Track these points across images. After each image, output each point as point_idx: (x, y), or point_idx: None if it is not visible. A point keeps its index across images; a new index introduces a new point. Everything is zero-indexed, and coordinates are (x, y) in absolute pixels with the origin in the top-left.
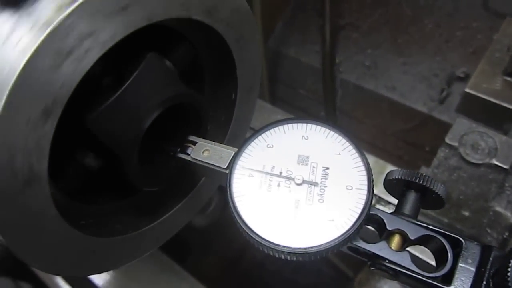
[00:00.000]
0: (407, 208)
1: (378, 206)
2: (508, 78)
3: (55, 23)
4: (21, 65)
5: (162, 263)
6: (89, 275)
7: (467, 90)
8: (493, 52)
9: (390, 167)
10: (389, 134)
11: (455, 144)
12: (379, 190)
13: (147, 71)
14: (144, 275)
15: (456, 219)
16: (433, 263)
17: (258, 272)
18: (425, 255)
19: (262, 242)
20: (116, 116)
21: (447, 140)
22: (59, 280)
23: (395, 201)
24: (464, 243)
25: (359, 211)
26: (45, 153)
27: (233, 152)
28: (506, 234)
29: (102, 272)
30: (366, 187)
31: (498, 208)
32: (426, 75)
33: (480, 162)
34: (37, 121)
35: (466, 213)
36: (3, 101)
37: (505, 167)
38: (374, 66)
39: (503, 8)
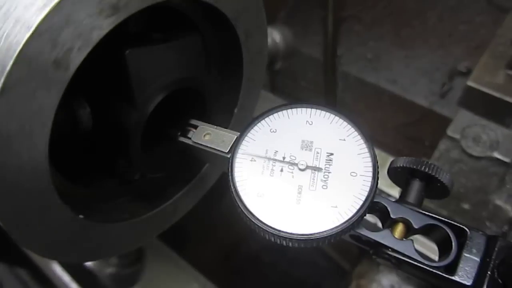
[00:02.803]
0: (411, 197)
1: None
2: (511, 72)
3: None
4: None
5: (159, 250)
6: (87, 261)
7: (469, 83)
8: (496, 45)
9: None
10: (389, 128)
11: (457, 136)
12: (380, 183)
13: (151, 53)
14: (143, 264)
15: (455, 212)
16: (433, 256)
17: (253, 264)
18: (425, 247)
19: (264, 228)
20: (118, 103)
21: (448, 133)
22: (56, 266)
23: (395, 194)
24: (469, 232)
25: (364, 198)
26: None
27: (235, 136)
28: (506, 228)
29: (102, 258)
30: (371, 174)
31: (498, 202)
32: (428, 69)
33: (482, 155)
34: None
35: (466, 206)
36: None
37: (506, 160)
38: (376, 59)
39: (507, 3)
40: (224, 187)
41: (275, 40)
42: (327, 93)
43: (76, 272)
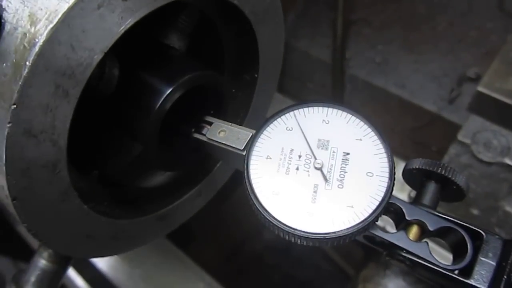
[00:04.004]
0: (427, 199)
1: None
2: None
3: None
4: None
5: (165, 249)
6: (100, 257)
7: (479, 89)
8: (507, 52)
9: (402, 164)
10: (397, 132)
11: (468, 141)
12: None
13: (169, 52)
14: (147, 260)
15: (464, 217)
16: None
17: (257, 265)
18: (435, 253)
19: (279, 226)
20: (137, 97)
21: (459, 137)
22: None
23: (404, 198)
24: (485, 236)
25: (380, 199)
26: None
27: (251, 134)
28: None
29: (113, 255)
30: (387, 174)
31: (508, 208)
32: (437, 74)
33: (492, 160)
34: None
35: (475, 212)
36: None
37: None
38: (384, 63)
39: None
40: (229, 187)
41: None
42: (334, 95)
43: (82, 267)
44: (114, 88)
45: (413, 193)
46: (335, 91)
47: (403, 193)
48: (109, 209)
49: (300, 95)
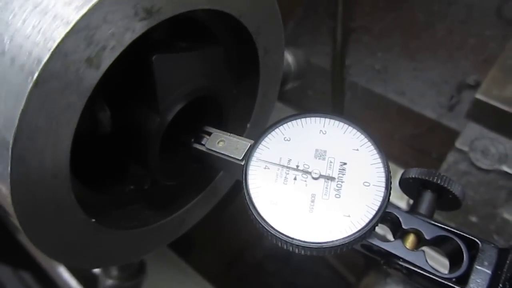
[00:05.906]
0: (423, 208)
1: None
2: None
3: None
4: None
5: (165, 257)
6: (97, 267)
7: (477, 96)
8: (505, 59)
9: (401, 171)
10: (396, 139)
11: (465, 149)
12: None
13: (177, 60)
14: (147, 268)
15: (463, 224)
16: (442, 270)
17: (257, 273)
18: (434, 261)
19: (277, 235)
20: (139, 108)
21: (457, 145)
22: (62, 270)
23: (403, 206)
24: (480, 245)
25: (376, 208)
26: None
27: (249, 144)
28: None
29: (112, 265)
30: (384, 184)
31: (506, 215)
32: (436, 82)
33: (490, 168)
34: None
35: (474, 219)
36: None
37: None
38: (384, 70)
39: None
40: (229, 195)
41: (287, 60)
42: (334, 103)
43: (83, 277)
44: (109, 129)
45: (412, 201)
46: (335, 99)
47: (402, 201)
48: (107, 217)
49: (300, 102)
